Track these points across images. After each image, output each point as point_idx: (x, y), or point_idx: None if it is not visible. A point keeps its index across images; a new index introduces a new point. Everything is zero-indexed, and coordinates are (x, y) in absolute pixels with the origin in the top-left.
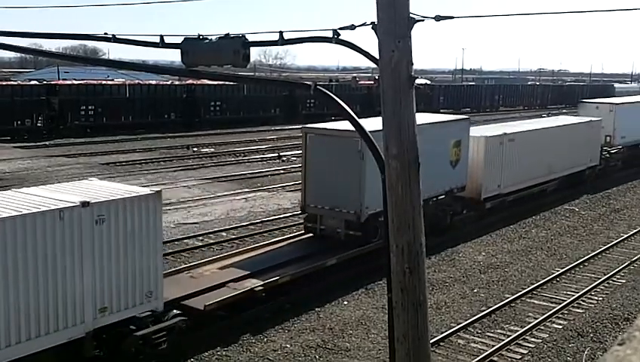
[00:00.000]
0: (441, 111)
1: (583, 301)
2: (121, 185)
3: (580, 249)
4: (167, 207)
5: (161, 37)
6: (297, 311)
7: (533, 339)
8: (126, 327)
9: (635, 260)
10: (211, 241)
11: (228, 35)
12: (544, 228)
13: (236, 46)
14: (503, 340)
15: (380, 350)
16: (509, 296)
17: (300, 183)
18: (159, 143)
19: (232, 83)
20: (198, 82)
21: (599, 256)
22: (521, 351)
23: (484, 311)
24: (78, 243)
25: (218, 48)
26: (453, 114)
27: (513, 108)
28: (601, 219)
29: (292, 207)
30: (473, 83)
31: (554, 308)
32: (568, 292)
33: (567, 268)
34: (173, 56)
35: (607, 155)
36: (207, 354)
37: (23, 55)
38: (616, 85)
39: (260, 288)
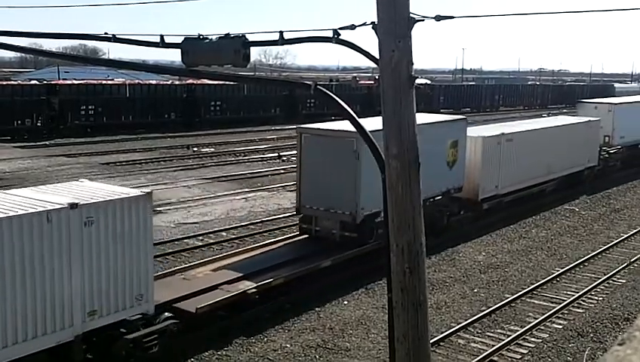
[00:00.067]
0: (442, 111)
1: (583, 301)
2: (112, 186)
3: (580, 249)
4: (167, 207)
5: (162, 37)
6: (297, 311)
7: (533, 339)
8: (116, 330)
9: (635, 260)
10: (211, 241)
11: (228, 34)
12: (544, 228)
13: (236, 46)
14: (503, 340)
15: (380, 350)
16: (509, 295)
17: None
18: (159, 143)
19: (232, 83)
20: (199, 82)
21: (599, 256)
22: (522, 350)
23: (484, 310)
24: (66, 246)
25: (218, 48)
26: (454, 114)
27: (513, 108)
28: (602, 219)
29: (292, 207)
30: (473, 83)
31: (554, 308)
32: (568, 292)
33: (568, 268)
34: (174, 56)
35: (606, 155)
36: (207, 354)
37: (23, 55)
38: (616, 85)
39: (253, 290)
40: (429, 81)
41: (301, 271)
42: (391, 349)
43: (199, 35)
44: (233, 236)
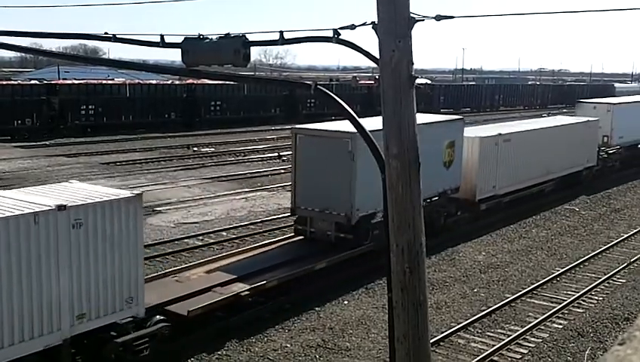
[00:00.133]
0: (442, 111)
1: (584, 301)
2: (102, 187)
3: (581, 249)
4: (167, 207)
5: (162, 36)
6: (297, 311)
7: (533, 339)
8: (107, 334)
9: (636, 260)
10: (211, 241)
11: (228, 34)
12: (544, 227)
13: (236, 45)
14: (503, 340)
15: (380, 349)
16: (510, 295)
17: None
18: (159, 143)
19: (232, 82)
20: (199, 82)
21: (599, 256)
22: (522, 350)
23: (485, 310)
24: (53, 248)
25: (218, 48)
26: (454, 114)
27: (513, 108)
28: (602, 219)
29: None
30: (473, 83)
31: (554, 307)
32: (568, 292)
33: (568, 267)
34: (174, 56)
35: (605, 156)
36: (207, 354)
37: (23, 54)
38: (616, 85)
39: (246, 293)
40: (429, 81)
41: (295, 272)
42: (391, 349)
43: (199, 35)
44: (233, 236)
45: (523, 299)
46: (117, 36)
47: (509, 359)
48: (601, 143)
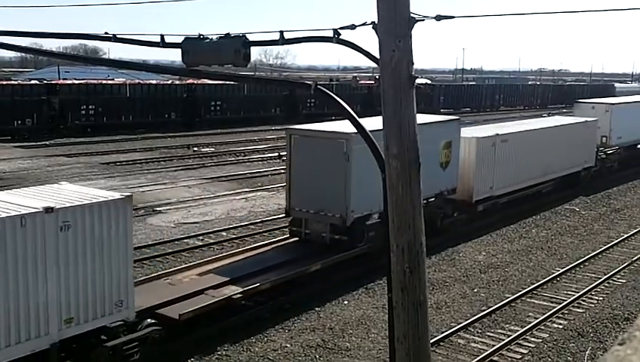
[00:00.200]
0: (442, 110)
1: (584, 301)
2: (92, 189)
3: (581, 249)
4: (167, 207)
5: (162, 36)
6: (297, 311)
7: (533, 339)
8: (97, 338)
9: (636, 260)
10: (211, 241)
11: (228, 34)
12: (544, 227)
13: (237, 45)
14: (504, 340)
15: (380, 350)
16: (510, 295)
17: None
18: (159, 143)
19: (232, 82)
20: (199, 82)
21: (600, 256)
22: (522, 350)
23: (485, 310)
24: (41, 251)
25: (219, 48)
26: (454, 114)
27: (513, 108)
28: (602, 219)
29: None
30: (474, 83)
31: (554, 307)
32: (569, 292)
33: (568, 267)
34: (174, 56)
35: (603, 156)
36: (206, 353)
37: (23, 54)
38: (616, 85)
39: (239, 295)
40: (429, 81)
41: (290, 275)
42: (391, 349)
43: (199, 35)
44: (233, 236)
45: (523, 299)
46: (117, 36)
47: (509, 359)
48: (599, 144)
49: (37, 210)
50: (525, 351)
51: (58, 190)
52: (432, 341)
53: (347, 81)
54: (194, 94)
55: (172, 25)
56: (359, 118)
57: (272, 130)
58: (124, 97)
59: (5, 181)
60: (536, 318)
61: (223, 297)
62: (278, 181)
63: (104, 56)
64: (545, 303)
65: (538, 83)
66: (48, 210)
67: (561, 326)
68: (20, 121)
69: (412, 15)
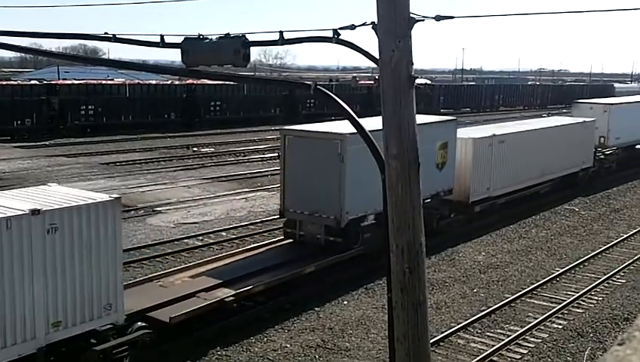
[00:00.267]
0: (442, 111)
1: (583, 301)
2: (81, 191)
3: (580, 249)
4: (167, 207)
5: (162, 37)
6: (297, 311)
7: (533, 339)
8: (86, 341)
9: (635, 260)
10: (211, 241)
11: (228, 34)
12: (544, 228)
13: (236, 46)
14: (503, 340)
15: (379, 350)
16: (509, 295)
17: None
18: (159, 143)
19: (232, 83)
20: (198, 82)
21: (599, 256)
22: (521, 351)
23: (484, 310)
24: (27, 254)
25: (218, 48)
26: (454, 114)
27: (513, 108)
28: (601, 219)
29: None
30: (473, 83)
31: (554, 308)
32: (568, 292)
33: (567, 267)
34: (174, 56)
35: (602, 157)
36: (206, 353)
37: (23, 55)
38: (616, 85)
39: (231, 298)
40: (428, 81)
41: (283, 277)
42: (391, 349)
43: (199, 35)
44: (233, 236)
45: (523, 299)
46: (117, 36)
47: (509, 359)
48: (597, 144)
49: (23, 213)
50: (525, 351)
51: (46, 192)
52: (431, 341)
53: (347, 82)
54: (194, 94)
55: (173, 25)
56: (359, 118)
57: (272, 130)
58: (124, 97)
59: (5, 181)
60: (536, 318)
61: (215, 300)
62: (277, 181)
63: (104, 57)
64: (544, 303)
65: (538, 83)
66: (35, 212)
67: (560, 327)
68: (19, 121)
69: (412, 15)
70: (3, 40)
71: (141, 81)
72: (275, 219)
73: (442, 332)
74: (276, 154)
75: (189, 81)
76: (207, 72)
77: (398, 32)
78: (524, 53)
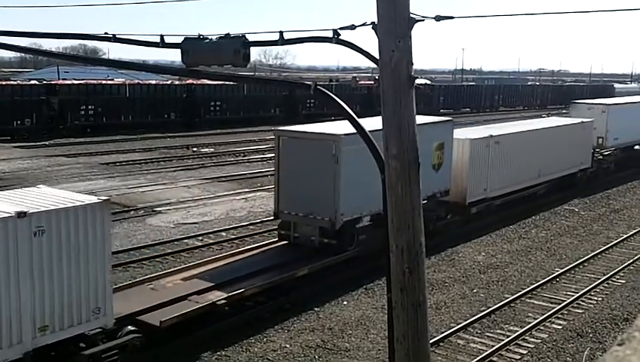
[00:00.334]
0: (441, 111)
1: (583, 301)
2: (69, 193)
3: (580, 249)
4: (167, 207)
5: (162, 37)
6: (297, 311)
7: (532, 340)
8: (75, 345)
9: (635, 260)
10: (211, 241)
11: (228, 34)
12: (544, 228)
13: (236, 46)
14: (503, 340)
15: (379, 350)
16: (509, 296)
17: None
18: (159, 143)
19: (232, 83)
20: (198, 82)
21: (599, 257)
22: (521, 351)
23: (484, 311)
24: (13, 257)
25: (218, 48)
26: (453, 114)
27: (513, 109)
28: (601, 220)
29: None
30: (473, 83)
31: (553, 308)
32: (568, 293)
33: (567, 268)
34: (174, 56)
35: (600, 157)
36: (206, 353)
37: (22, 55)
38: (616, 85)
39: (223, 301)
40: (428, 81)
41: (276, 280)
42: (390, 349)
43: (199, 35)
44: (233, 236)
45: (522, 299)
46: (117, 36)
47: (509, 359)
48: (595, 145)
49: (9, 215)
50: (524, 352)
51: (34, 194)
52: (431, 341)
53: (347, 82)
54: (193, 94)
55: (175, 25)
56: (359, 118)
57: (272, 130)
58: (124, 97)
59: (5, 181)
60: (536, 319)
61: (206, 303)
62: None
63: (104, 57)
64: (544, 304)
65: (537, 83)
66: (21, 214)
67: (560, 327)
68: (19, 121)
69: (412, 15)
70: (3, 40)
71: (141, 81)
72: (274, 218)
73: (442, 333)
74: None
75: (189, 81)
76: (207, 72)
77: (398, 32)
78: (524, 53)
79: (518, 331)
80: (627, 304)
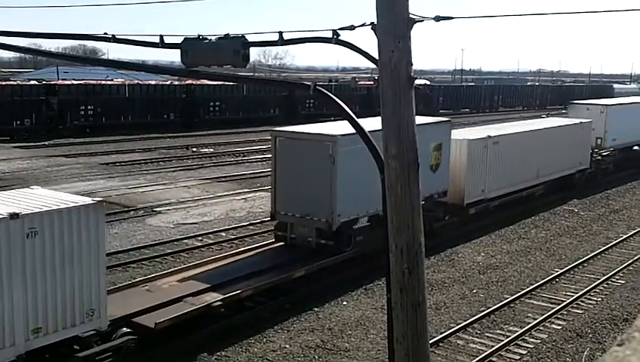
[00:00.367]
0: (441, 111)
1: (582, 301)
2: (64, 194)
3: (579, 249)
4: (167, 207)
5: (161, 37)
6: (297, 311)
7: (532, 340)
8: (69, 348)
9: (635, 261)
10: (210, 241)
11: (228, 35)
12: (543, 228)
13: (236, 46)
14: (502, 341)
15: (379, 350)
16: (508, 296)
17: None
18: (159, 143)
19: (231, 83)
20: (198, 82)
21: (598, 257)
22: (520, 351)
23: (484, 311)
24: (5, 259)
25: (218, 48)
26: (453, 114)
27: (512, 109)
28: (600, 220)
29: None
30: (472, 83)
31: (553, 308)
32: (567, 293)
33: (567, 268)
34: (173, 57)
35: (598, 158)
36: (206, 353)
37: (22, 55)
38: (615, 86)
39: (219, 303)
40: (428, 82)
41: (272, 281)
42: (390, 349)
43: (199, 36)
44: (232, 236)
45: (522, 299)
46: (116, 36)
47: (508, 360)
48: (594, 145)
49: (1, 216)
50: (524, 352)
51: (28, 195)
52: (431, 341)
53: (346, 82)
54: (193, 95)
55: (172, 25)
56: (358, 118)
57: (272, 130)
58: (123, 98)
59: (5, 181)
60: (535, 319)
61: (202, 305)
62: None
63: (103, 57)
64: (544, 304)
65: (537, 84)
66: (13, 216)
67: (559, 327)
68: (19, 122)
69: (411, 16)
70: (3, 40)
71: (140, 82)
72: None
73: (441, 333)
74: None
75: (189, 82)
76: (206, 72)
77: (398, 32)
78: (524, 53)
79: (517, 331)
80: (627, 304)
